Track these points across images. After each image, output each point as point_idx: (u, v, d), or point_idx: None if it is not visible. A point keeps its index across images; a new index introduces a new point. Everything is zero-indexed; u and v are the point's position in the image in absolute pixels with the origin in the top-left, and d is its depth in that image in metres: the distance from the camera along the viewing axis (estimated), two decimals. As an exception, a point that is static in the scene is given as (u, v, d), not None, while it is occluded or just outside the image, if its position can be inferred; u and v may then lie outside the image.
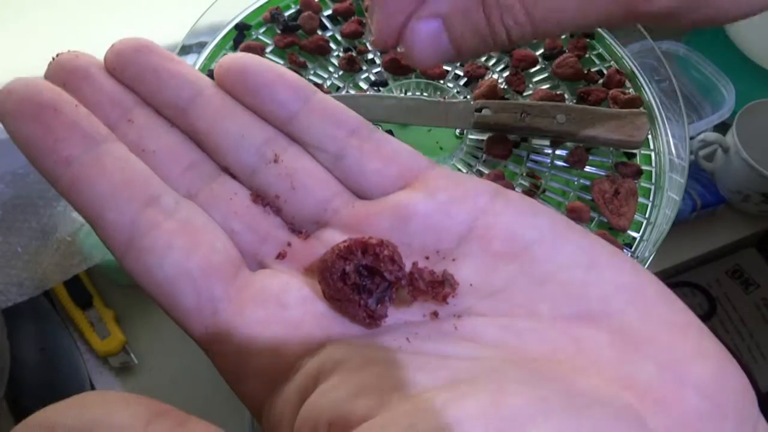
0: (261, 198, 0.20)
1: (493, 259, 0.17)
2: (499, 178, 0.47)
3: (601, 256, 0.17)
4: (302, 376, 0.16)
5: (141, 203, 0.18)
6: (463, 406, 0.13)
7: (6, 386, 0.49)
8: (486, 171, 0.48)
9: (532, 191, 0.48)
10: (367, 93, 0.52)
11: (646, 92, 0.52)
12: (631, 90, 0.53)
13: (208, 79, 0.21)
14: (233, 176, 0.21)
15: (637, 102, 0.51)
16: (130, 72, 0.20)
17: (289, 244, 0.20)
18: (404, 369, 0.14)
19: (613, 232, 0.46)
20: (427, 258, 0.18)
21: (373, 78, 0.51)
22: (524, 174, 0.49)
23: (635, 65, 0.54)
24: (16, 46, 0.55)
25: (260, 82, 0.21)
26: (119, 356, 0.53)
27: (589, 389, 0.13)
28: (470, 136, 0.50)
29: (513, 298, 0.16)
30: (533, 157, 0.50)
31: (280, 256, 0.19)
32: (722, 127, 0.68)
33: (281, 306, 0.18)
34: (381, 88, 0.51)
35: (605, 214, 0.46)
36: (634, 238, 0.46)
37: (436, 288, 0.17)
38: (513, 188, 0.47)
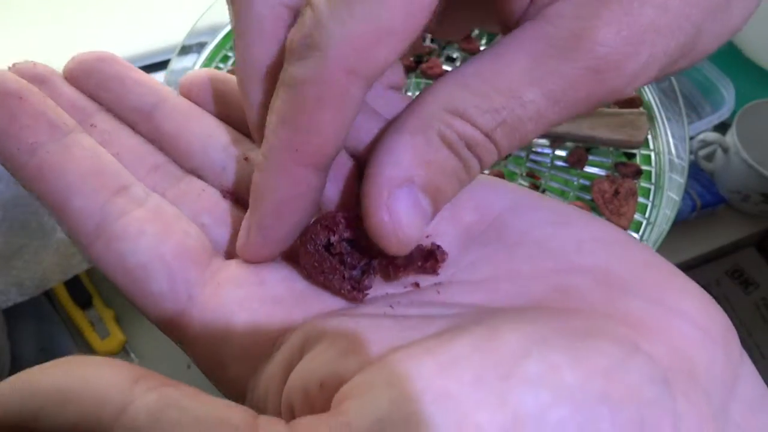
0: (232, 194, 0.20)
1: (466, 231, 0.18)
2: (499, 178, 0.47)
3: (571, 214, 0.17)
4: (286, 350, 0.15)
5: (111, 191, 0.18)
6: (454, 346, 0.13)
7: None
8: (486, 171, 0.48)
9: (532, 191, 0.48)
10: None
11: (646, 92, 0.52)
12: (630, 90, 0.53)
13: (171, 89, 0.21)
14: (201, 178, 0.21)
15: (637, 102, 0.51)
16: (93, 80, 0.20)
17: None
18: (391, 328, 0.14)
19: (613, 232, 0.46)
20: None
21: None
22: (524, 174, 0.49)
23: (635, 65, 0.54)
24: (16, 47, 0.55)
25: (225, 90, 0.21)
26: (119, 356, 0.53)
27: (583, 324, 0.14)
28: (470, 136, 0.50)
29: (491, 262, 0.17)
30: (533, 157, 0.50)
31: None
32: (722, 127, 0.68)
33: (260, 283, 0.17)
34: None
35: (605, 214, 0.46)
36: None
37: (428, 259, 0.17)
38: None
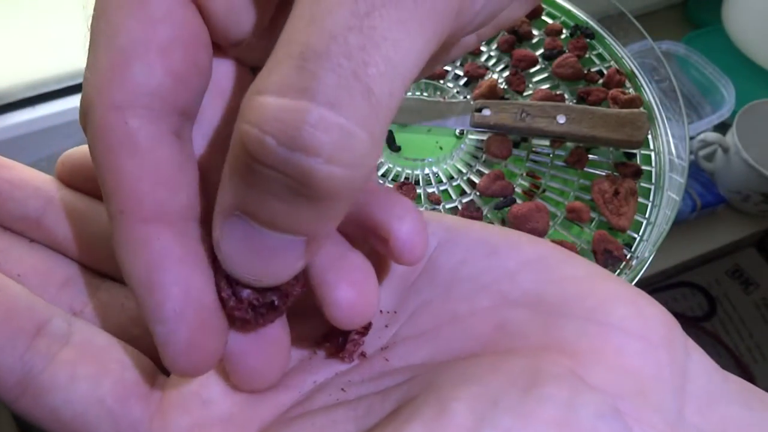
0: None
1: (402, 281, 0.17)
2: (499, 178, 0.47)
3: (499, 240, 0.17)
4: None
5: (29, 335, 0.15)
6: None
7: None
8: (486, 171, 0.48)
9: (532, 191, 0.48)
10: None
11: (646, 92, 0.52)
12: (631, 90, 0.53)
13: (51, 179, 0.19)
14: (116, 281, 0.18)
15: (637, 102, 0.51)
16: None
17: None
18: (347, 422, 0.14)
19: (613, 232, 0.46)
20: None
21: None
22: (524, 174, 0.49)
23: (635, 65, 0.54)
24: (16, 47, 0.55)
25: None
26: None
27: (525, 369, 0.13)
28: (470, 136, 0.50)
29: (431, 309, 0.16)
30: (533, 157, 0.50)
31: None
32: (722, 127, 0.68)
33: (203, 403, 0.16)
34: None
35: (605, 214, 0.46)
36: (634, 238, 0.46)
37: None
38: (513, 188, 0.47)
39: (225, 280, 0.14)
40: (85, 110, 0.13)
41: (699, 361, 0.15)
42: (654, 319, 0.15)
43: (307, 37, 0.11)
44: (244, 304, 0.14)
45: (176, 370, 0.14)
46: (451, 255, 0.17)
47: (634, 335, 0.14)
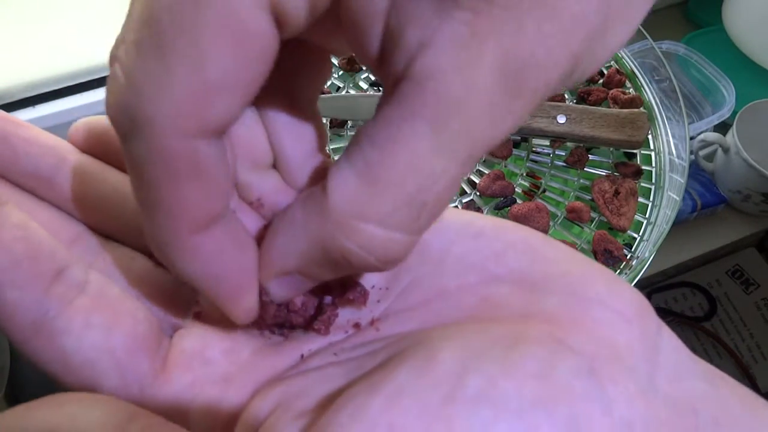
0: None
1: None
2: (499, 178, 0.47)
3: (485, 224, 0.18)
4: (241, 429, 0.15)
5: (48, 278, 0.15)
6: (397, 375, 0.13)
7: (6, 386, 0.49)
8: (486, 171, 0.48)
9: (532, 191, 0.48)
10: (367, 93, 0.52)
11: (646, 92, 0.52)
12: (631, 90, 0.53)
13: (65, 142, 0.19)
14: (122, 242, 0.19)
15: (637, 102, 0.51)
16: None
17: (197, 302, 0.18)
18: (338, 375, 0.15)
19: (613, 232, 0.46)
20: None
21: (373, 78, 0.51)
22: (524, 174, 0.49)
23: (635, 65, 0.54)
24: (16, 47, 0.55)
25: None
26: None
27: (509, 331, 0.14)
28: (470, 136, 0.50)
29: (421, 285, 0.17)
30: (533, 157, 0.50)
31: (197, 316, 0.18)
32: (722, 127, 0.68)
33: (205, 363, 0.17)
34: (381, 88, 0.51)
35: (605, 214, 0.46)
36: (634, 238, 0.46)
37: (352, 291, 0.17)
38: (513, 188, 0.47)
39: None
40: (134, 121, 0.13)
41: (669, 340, 0.16)
42: (629, 297, 0.16)
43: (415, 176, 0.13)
44: (277, 318, 0.17)
45: (239, 319, 0.16)
46: (441, 236, 0.18)
47: (611, 309, 0.15)
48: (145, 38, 0.12)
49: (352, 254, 0.14)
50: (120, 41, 0.13)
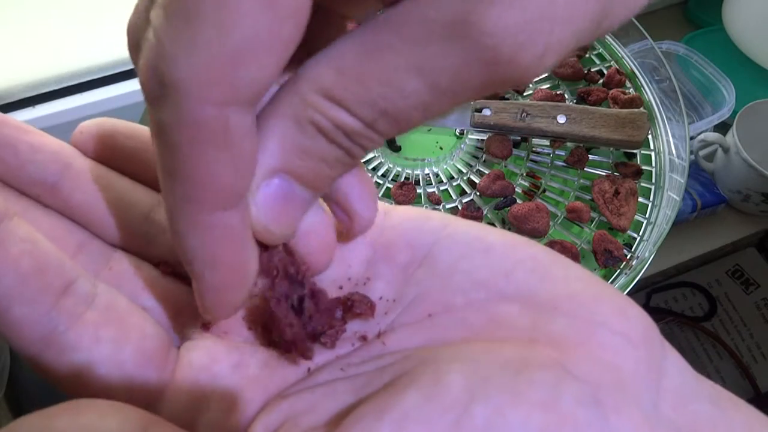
0: (166, 266, 0.18)
1: (402, 270, 0.18)
2: (499, 178, 0.47)
3: (496, 240, 0.18)
4: None
5: (56, 292, 0.15)
6: (404, 399, 0.13)
7: (6, 386, 0.49)
8: (486, 171, 0.48)
9: (532, 191, 0.48)
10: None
11: (646, 92, 0.52)
12: (631, 90, 0.53)
13: (69, 146, 0.19)
14: (127, 251, 0.19)
15: (637, 102, 0.51)
16: None
17: None
18: (346, 392, 0.15)
19: (613, 232, 0.46)
20: (341, 288, 0.18)
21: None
22: (524, 174, 0.49)
23: (635, 65, 0.54)
24: (16, 47, 0.55)
25: (132, 146, 0.19)
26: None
27: (515, 355, 0.14)
28: (470, 136, 0.50)
29: (428, 299, 0.17)
30: (533, 157, 0.50)
31: (205, 327, 0.18)
32: (722, 127, 0.68)
33: (214, 378, 0.16)
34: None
35: (605, 214, 0.46)
36: (634, 238, 0.46)
37: (359, 306, 0.17)
38: (513, 188, 0.47)
39: (292, 311, 0.17)
40: (163, 86, 0.12)
41: (674, 362, 0.16)
42: (635, 320, 0.16)
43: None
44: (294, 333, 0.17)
45: (212, 317, 0.16)
46: (449, 251, 0.17)
47: (616, 333, 0.15)
48: (173, 0, 0.12)
49: (323, 128, 0.14)
50: (148, 5, 0.13)
